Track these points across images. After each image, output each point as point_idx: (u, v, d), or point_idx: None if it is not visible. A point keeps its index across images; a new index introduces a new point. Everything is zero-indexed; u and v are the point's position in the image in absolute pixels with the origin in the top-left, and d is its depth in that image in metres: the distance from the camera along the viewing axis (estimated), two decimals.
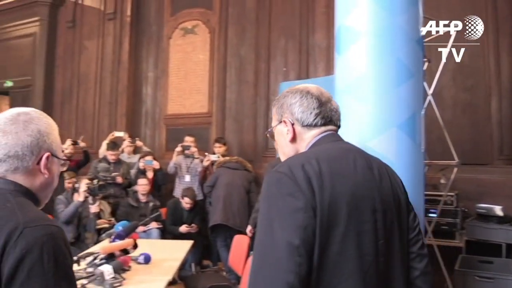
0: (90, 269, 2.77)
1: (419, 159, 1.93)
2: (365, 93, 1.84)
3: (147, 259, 3.17)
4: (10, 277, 0.98)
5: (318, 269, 1.14)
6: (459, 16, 3.80)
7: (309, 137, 1.37)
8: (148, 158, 5.96)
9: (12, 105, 8.28)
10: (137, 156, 6.32)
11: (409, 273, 1.34)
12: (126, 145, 6.49)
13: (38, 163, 1.18)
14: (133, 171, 6.03)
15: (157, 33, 7.73)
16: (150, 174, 5.82)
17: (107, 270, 2.65)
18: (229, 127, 6.90)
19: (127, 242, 2.97)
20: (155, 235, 5.20)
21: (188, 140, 6.13)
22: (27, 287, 0.98)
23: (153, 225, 5.22)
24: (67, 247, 1.09)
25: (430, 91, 2.77)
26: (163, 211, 5.50)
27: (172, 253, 3.59)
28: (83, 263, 2.96)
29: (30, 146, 1.16)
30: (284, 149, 1.42)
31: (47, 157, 1.19)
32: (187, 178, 5.98)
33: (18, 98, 8.43)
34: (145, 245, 3.39)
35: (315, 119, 1.36)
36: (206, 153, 6.00)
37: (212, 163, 5.85)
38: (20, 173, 1.16)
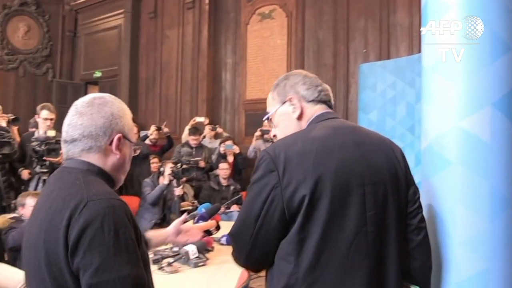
0: (175, 249, 2.87)
1: None
2: (456, 70, 1.71)
3: (229, 241, 3.23)
4: (74, 247, 1.06)
5: (303, 239, 1.25)
6: None
7: (309, 113, 1.47)
8: (229, 142, 6.07)
9: None
10: (218, 141, 6.45)
11: (407, 244, 1.40)
12: (207, 130, 6.66)
13: (111, 144, 1.26)
14: (214, 156, 6.18)
15: (235, 20, 7.80)
16: (230, 159, 5.91)
17: (192, 249, 2.73)
18: None
19: (210, 223, 3.00)
20: (236, 218, 5.29)
21: (267, 124, 6.15)
22: (88, 255, 1.05)
23: (234, 208, 5.31)
24: (130, 221, 1.13)
25: None
26: (243, 194, 5.60)
27: None
28: None
29: (103, 127, 1.24)
30: (288, 129, 1.49)
31: (119, 138, 1.26)
32: None
33: (106, 87, 8.93)
34: (227, 227, 3.45)
35: (319, 94, 1.48)
36: None
37: None
38: (94, 152, 1.24)
